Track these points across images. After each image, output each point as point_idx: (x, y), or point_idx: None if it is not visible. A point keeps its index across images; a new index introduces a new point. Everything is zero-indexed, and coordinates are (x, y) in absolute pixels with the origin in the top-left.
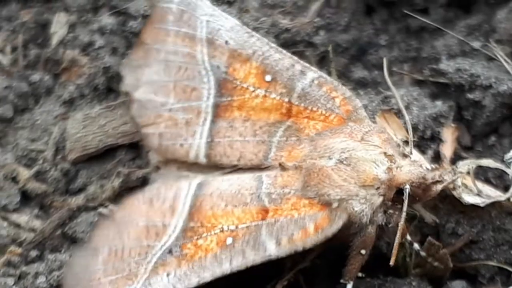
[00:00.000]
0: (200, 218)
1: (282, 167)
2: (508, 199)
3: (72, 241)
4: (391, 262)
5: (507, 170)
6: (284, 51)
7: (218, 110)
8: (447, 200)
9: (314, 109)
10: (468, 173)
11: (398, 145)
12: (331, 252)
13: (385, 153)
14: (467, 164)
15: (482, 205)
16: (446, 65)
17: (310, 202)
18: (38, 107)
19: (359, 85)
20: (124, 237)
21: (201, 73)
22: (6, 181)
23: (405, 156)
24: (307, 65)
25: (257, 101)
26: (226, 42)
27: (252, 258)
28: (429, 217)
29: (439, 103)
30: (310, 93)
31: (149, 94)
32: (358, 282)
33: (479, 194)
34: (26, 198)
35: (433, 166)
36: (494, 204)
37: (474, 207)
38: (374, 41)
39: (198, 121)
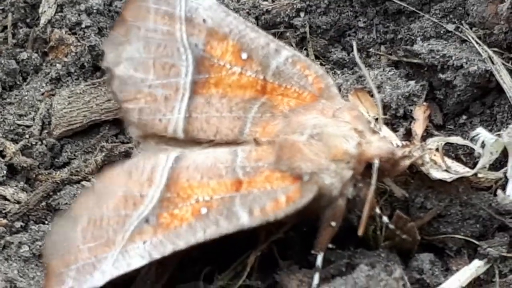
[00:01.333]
0: (176, 189)
1: (257, 142)
2: (475, 174)
3: (56, 213)
4: (359, 233)
5: (474, 147)
6: (260, 30)
7: (195, 87)
8: (417, 176)
9: (288, 86)
10: (437, 149)
11: (369, 122)
12: (305, 225)
13: (355, 129)
14: (436, 141)
15: (449, 180)
16: (420, 47)
17: (283, 175)
18: (26, 84)
19: (337, 66)
20: (103, 206)
21: (179, 51)
22: None
23: (375, 132)
24: (282, 43)
25: (233, 78)
26: (204, 20)
27: (226, 227)
28: (398, 191)
29: (412, 82)
30: (284, 71)
31: (130, 70)
32: (329, 253)
33: (447, 170)
34: (12, 171)
35: (404, 142)
36: (462, 180)
37: (442, 182)
38: (352, 23)
39: (176, 97)
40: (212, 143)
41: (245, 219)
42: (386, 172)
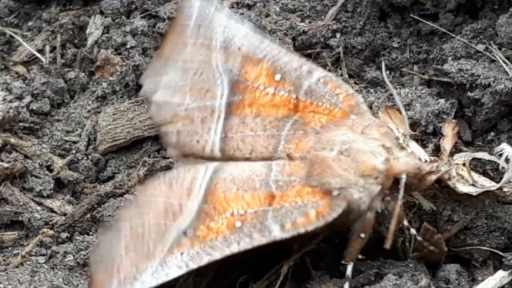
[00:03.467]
0: (213, 201)
1: (290, 158)
2: (501, 188)
3: (100, 224)
4: (387, 245)
5: (499, 161)
6: (293, 54)
7: (230, 108)
8: (445, 190)
9: (320, 104)
10: (464, 164)
11: (397, 138)
12: (336, 236)
13: (383, 145)
14: (463, 156)
15: (475, 194)
16: (450, 66)
17: (313, 190)
18: (73, 102)
19: (370, 85)
20: (144, 216)
21: (215, 76)
22: (42, 169)
23: (402, 148)
24: (314, 65)
25: (267, 99)
26: (239, 48)
27: (258, 240)
28: (427, 204)
29: (442, 100)
30: (316, 90)
31: (166, 96)
32: (359, 264)
33: (474, 184)
34: (59, 185)
35: (431, 158)
36: (488, 193)
37: (468, 196)
38: (387, 43)
39: (212, 119)
40: (248, 161)
41: (277, 232)
42: (413, 186)
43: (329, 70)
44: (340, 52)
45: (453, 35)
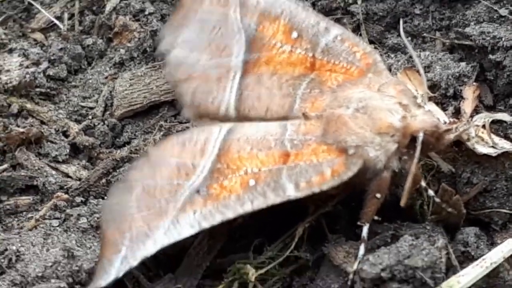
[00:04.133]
0: (226, 160)
1: (305, 117)
2: None
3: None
4: (402, 204)
5: None
6: (311, 10)
7: (247, 66)
8: (464, 152)
9: (336, 62)
10: (484, 126)
11: (414, 97)
12: (353, 199)
13: (400, 102)
14: (482, 117)
15: (494, 155)
16: (471, 29)
17: (329, 148)
18: (91, 68)
19: (391, 50)
20: (156, 175)
21: (233, 32)
22: (57, 135)
23: (420, 106)
24: (332, 22)
25: (283, 56)
26: (257, 2)
27: (273, 199)
28: (445, 166)
29: (463, 63)
30: (333, 48)
31: (185, 51)
32: (376, 226)
33: (494, 146)
34: (75, 150)
35: (451, 119)
36: (508, 155)
37: (488, 158)
38: (409, 10)
39: (228, 77)
40: (263, 120)
41: (291, 191)
42: (431, 146)
43: None
44: (360, 18)
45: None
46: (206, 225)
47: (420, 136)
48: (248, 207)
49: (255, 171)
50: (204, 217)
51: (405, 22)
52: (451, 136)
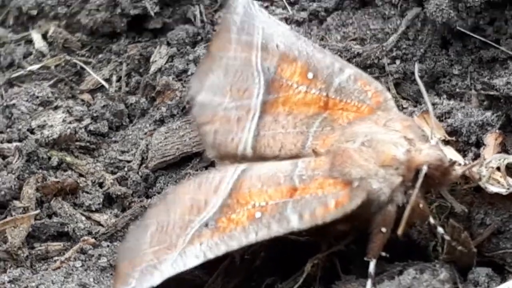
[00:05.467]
0: (237, 197)
1: (315, 153)
2: None
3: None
4: (399, 232)
5: None
6: (326, 51)
7: (265, 106)
8: (479, 194)
9: (348, 101)
10: (499, 168)
11: (422, 133)
12: (366, 239)
13: (405, 136)
14: (497, 159)
15: (505, 193)
16: (498, 80)
17: (335, 181)
18: (132, 125)
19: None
20: (171, 214)
21: (253, 75)
22: (94, 186)
23: (426, 141)
24: (346, 62)
25: (299, 97)
26: (277, 45)
27: (276, 230)
28: (459, 207)
29: (488, 113)
30: (345, 87)
31: (209, 95)
32: (387, 265)
33: (508, 188)
34: (110, 201)
35: (466, 162)
36: None
37: (502, 198)
38: (447, 70)
39: (248, 117)
40: (277, 158)
41: (295, 222)
42: (437, 180)
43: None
44: (385, 66)
45: None
46: (211, 255)
47: (424, 169)
48: (252, 238)
49: (262, 205)
50: (209, 248)
51: (443, 82)
52: (458, 172)
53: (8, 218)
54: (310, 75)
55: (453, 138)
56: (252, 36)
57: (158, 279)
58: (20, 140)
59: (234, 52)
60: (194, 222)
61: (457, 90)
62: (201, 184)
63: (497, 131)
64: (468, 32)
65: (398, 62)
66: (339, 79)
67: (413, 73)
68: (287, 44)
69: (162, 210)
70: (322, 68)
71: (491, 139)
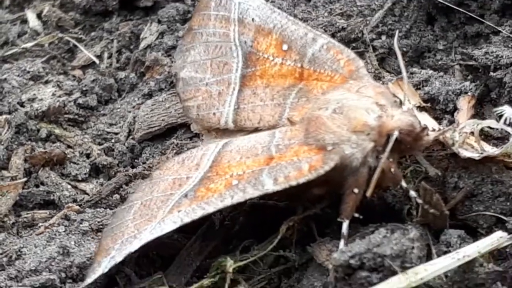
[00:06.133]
0: (217, 170)
1: (291, 122)
2: (508, 155)
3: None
4: (367, 194)
5: (507, 129)
6: (300, 22)
7: (244, 80)
8: (453, 158)
9: (322, 71)
10: (472, 133)
11: (395, 99)
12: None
13: (377, 102)
14: (471, 124)
15: (477, 158)
16: (477, 51)
17: (309, 148)
18: (121, 99)
19: (413, 85)
20: (154, 191)
21: (232, 49)
22: (81, 157)
23: (398, 107)
24: (319, 33)
25: (275, 69)
26: (253, 19)
27: (251, 193)
28: (432, 171)
29: (466, 82)
30: (319, 57)
31: (191, 72)
32: (361, 227)
33: (482, 152)
34: (96, 172)
35: (440, 127)
36: (494, 159)
37: (475, 162)
38: (432, 45)
39: (228, 91)
40: (256, 130)
41: (269, 186)
42: (408, 145)
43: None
44: (367, 40)
45: (500, 29)
46: (187, 219)
47: (395, 134)
48: (228, 202)
49: (239, 174)
50: (186, 213)
51: (428, 57)
52: (430, 137)
53: None
54: (285, 47)
55: (428, 105)
56: (229, 11)
57: (137, 245)
58: (9, 113)
59: (213, 27)
60: (175, 195)
61: (441, 64)
62: (184, 160)
63: (469, 94)
64: (453, 6)
65: (383, 37)
66: (312, 50)
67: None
68: (262, 17)
69: (147, 189)
70: (296, 39)
71: (464, 103)
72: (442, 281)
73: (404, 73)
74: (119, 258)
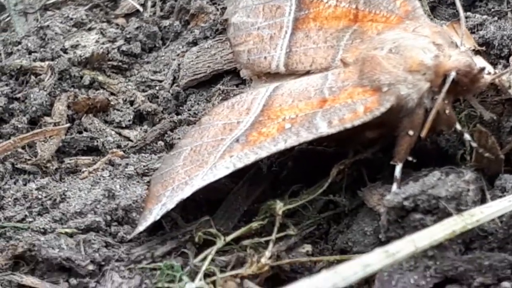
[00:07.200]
0: (268, 114)
1: (344, 64)
2: None
3: (170, 148)
4: (422, 135)
5: None
6: None
7: (296, 23)
8: (508, 102)
9: (377, 12)
10: None
11: (451, 40)
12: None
13: (433, 42)
14: None
15: None
16: None
17: (364, 89)
18: (165, 47)
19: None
20: (204, 136)
21: None
22: (125, 104)
23: (456, 47)
24: None
25: (329, 11)
26: None
27: (305, 136)
28: (487, 115)
29: None
30: None
31: (243, 17)
32: (415, 171)
33: None
34: (140, 118)
35: (496, 71)
36: None
37: None
38: None
39: (280, 35)
40: (308, 73)
41: (323, 129)
42: (465, 87)
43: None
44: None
45: None
46: (240, 164)
47: (452, 74)
48: (281, 146)
49: (292, 117)
50: (239, 158)
51: (479, 6)
52: (487, 79)
53: (38, 130)
54: None
55: (483, 48)
56: None
57: (189, 192)
58: (52, 59)
59: None
60: (226, 140)
61: (493, 12)
62: (234, 106)
63: None
64: None
65: None
66: None
67: None
68: None
69: (196, 134)
70: None
71: None
72: (497, 225)
73: (462, 13)
74: (170, 206)
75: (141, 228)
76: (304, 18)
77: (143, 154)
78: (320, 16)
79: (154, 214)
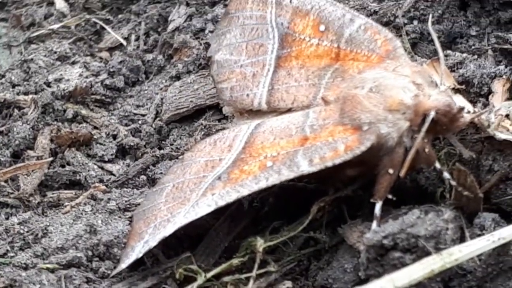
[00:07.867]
0: (250, 151)
1: (325, 102)
2: None
3: (153, 183)
4: (401, 174)
5: None
6: (338, 3)
7: (279, 61)
8: (487, 140)
9: (359, 51)
10: (507, 115)
11: (431, 79)
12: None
13: (413, 81)
14: (506, 106)
15: None
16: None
17: (344, 128)
18: (148, 81)
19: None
20: (186, 173)
21: (268, 31)
22: (108, 138)
23: (435, 87)
24: (357, 14)
25: (311, 50)
26: (291, 1)
27: (286, 174)
28: (466, 153)
29: (501, 66)
30: (356, 37)
31: (226, 55)
32: (394, 209)
33: None
34: (123, 153)
35: (475, 109)
36: None
37: (510, 144)
38: (465, 31)
39: (262, 73)
40: (290, 111)
41: (304, 167)
42: (444, 126)
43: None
44: (400, 20)
45: None
46: (222, 203)
47: (431, 114)
48: (262, 184)
49: (274, 155)
50: (221, 196)
51: (460, 43)
52: (466, 119)
53: (20, 164)
54: (322, 28)
55: (463, 87)
56: None
57: (171, 229)
58: (36, 93)
59: (250, 10)
60: (208, 177)
61: (474, 49)
62: (216, 142)
63: (504, 77)
64: None
65: (415, 22)
66: (349, 30)
67: (430, 33)
68: None
69: (179, 171)
70: (334, 20)
71: (498, 86)
72: (475, 264)
73: (441, 53)
74: (153, 243)
75: (123, 265)
76: (286, 56)
77: (125, 189)
78: (302, 54)
79: (136, 251)
